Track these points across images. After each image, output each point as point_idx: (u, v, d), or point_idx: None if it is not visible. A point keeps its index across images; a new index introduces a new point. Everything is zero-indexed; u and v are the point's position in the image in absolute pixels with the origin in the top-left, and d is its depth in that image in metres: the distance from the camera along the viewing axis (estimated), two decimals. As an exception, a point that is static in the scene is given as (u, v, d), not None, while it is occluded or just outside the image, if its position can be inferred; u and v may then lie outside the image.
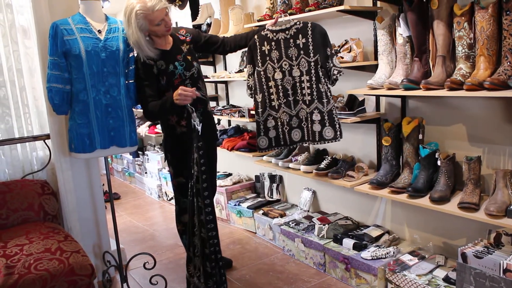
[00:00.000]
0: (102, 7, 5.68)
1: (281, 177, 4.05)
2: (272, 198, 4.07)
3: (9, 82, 2.96)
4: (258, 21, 3.45)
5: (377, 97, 3.02)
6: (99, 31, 2.52)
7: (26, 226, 2.69)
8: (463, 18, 2.29)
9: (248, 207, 3.93)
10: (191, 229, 2.50)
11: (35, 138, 3.00)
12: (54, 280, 2.21)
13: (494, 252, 2.19)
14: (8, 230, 2.65)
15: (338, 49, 2.98)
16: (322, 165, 3.18)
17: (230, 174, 4.56)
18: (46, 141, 3.01)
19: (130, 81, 2.76)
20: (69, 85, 2.52)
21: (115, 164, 6.71)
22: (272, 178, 4.08)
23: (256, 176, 4.29)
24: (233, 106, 4.29)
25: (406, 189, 2.55)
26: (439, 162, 2.53)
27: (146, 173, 5.68)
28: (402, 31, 2.61)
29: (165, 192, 5.18)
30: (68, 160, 2.88)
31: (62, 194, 2.93)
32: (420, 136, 2.67)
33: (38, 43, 2.78)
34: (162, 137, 2.89)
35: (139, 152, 6.08)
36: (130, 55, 2.70)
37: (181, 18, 4.94)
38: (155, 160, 5.45)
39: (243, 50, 4.03)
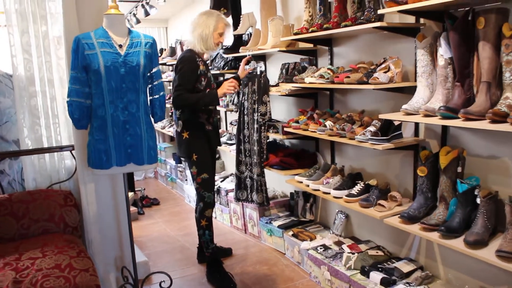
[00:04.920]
0: (149, 14, 5.73)
1: (315, 197, 3.86)
2: (305, 218, 3.89)
3: (41, 93, 2.98)
4: (295, 34, 3.29)
5: (416, 121, 2.77)
6: (120, 46, 2.46)
7: (44, 237, 2.69)
8: (512, 40, 2.02)
9: (279, 226, 3.77)
10: None
11: (61, 148, 3.01)
12: (58, 300, 2.17)
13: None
14: (27, 240, 2.66)
15: (375, 68, 2.76)
16: (354, 191, 2.96)
17: (265, 189, 4.40)
18: (72, 151, 3.01)
19: (155, 97, 2.70)
20: (89, 99, 2.49)
21: (159, 168, 6.75)
22: (306, 197, 3.90)
23: (291, 193, 4.12)
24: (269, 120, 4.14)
25: (439, 227, 2.30)
26: (478, 200, 2.26)
27: (186, 180, 5.66)
28: (443, 52, 2.36)
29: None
30: (90, 173, 2.85)
31: (84, 206, 2.92)
32: (459, 169, 2.40)
33: (66, 54, 2.78)
34: (183, 138, 3.20)
35: (181, 158, 6.06)
36: (153, 70, 2.63)
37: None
38: (194, 168, 5.39)
39: (284, 62, 3.91)
